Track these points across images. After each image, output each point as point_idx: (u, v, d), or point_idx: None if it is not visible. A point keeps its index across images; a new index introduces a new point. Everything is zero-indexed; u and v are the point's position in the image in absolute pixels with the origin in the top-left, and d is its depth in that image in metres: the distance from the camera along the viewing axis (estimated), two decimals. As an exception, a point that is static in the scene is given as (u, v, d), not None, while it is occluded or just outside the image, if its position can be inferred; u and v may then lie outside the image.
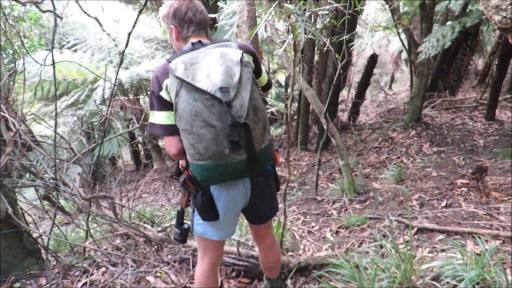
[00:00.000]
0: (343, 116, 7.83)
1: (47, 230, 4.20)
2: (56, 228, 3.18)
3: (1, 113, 2.12)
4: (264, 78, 1.54)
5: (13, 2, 5.77)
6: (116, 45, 7.15)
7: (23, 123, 2.48)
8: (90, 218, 2.75)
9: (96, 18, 7.81)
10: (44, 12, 4.61)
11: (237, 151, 1.20)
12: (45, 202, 3.17)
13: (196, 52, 1.26)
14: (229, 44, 1.32)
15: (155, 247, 2.77)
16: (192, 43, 1.35)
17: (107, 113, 2.74)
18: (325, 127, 3.29)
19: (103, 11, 8.44)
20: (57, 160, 2.58)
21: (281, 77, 10.51)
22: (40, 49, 9.32)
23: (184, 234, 1.53)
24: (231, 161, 1.20)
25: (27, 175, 2.92)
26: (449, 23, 5.37)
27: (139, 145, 10.25)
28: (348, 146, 5.32)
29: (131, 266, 2.44)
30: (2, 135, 2.20)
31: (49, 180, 2.30)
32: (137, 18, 2.33)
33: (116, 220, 2.60)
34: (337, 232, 2.77)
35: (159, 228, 3.19)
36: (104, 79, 4.80)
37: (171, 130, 1.32)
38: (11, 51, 7.72)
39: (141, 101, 8.41)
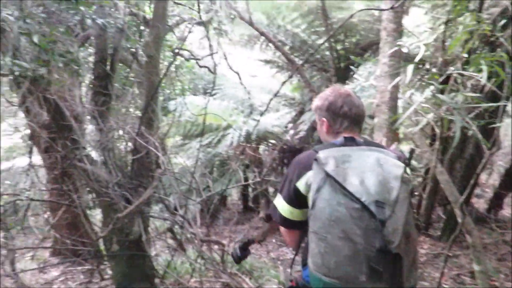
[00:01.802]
0: (479, 204, 6.67)
1: (160, 254, 4.60)
2: (170, 257, 3.49)
3: (157, 152, 2.54)
4: None
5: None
6: (249, 98, 7.92)
7: (169, 161, 2.90)
8: (199, 258, 2.94)
9: (237, 73, 8.92)
10: (201, 67, 5.42)
11: (375, 282, 0.95)
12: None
13: (348, 149, 1.14)
14: (385, 151, 1.15)
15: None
16: (345, 138, 1.21)
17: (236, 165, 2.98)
18: (459, 219, 2.84)
19: (244, 68, 9.57)
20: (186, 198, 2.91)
21: (405, 147, 9.79)
22: (188, 93, 11.08)
23: None
24: None
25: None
26: None
27: (249, 189, 10.74)
28: (484, 245, 4.44)
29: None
30: (152, 170, 2.63)
31: (178, 216, 2.59)
32: (281, 87, 2.56)
33: (222, 269, 2.70)
34: None
35: (257, 285, 3.17)
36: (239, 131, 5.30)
37: (291, 223, 1.22)
38: (167, 91, 9.45)
39: (260, 150, 8.95)
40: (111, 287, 3.35)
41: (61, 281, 4.01)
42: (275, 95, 2.49)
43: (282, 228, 1.28)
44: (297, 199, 1.18)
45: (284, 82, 2.75)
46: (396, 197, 1.00)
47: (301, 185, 1.17)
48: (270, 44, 6.92)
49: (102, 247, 2.94)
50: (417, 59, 1.51)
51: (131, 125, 2.81)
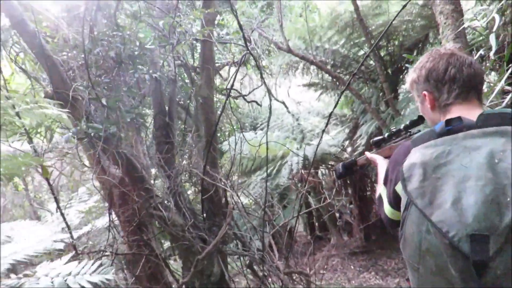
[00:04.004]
0: None
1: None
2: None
3: (226, 187, 2.54)
4: None
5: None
6: (298, 124, 7.88)
7: (237, 196, 2.89)
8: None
9: (283, 102, 9.00)
10: (249, 102, 5.50)
11: None
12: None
13: (449, 141, 0.81)
14: (508, 131, 0.77)
15: None
16: (448, 121, 0.86)
17: (302, 190, 2.88)
18: None
19: (288, 96, 9.64)
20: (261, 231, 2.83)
21: None
22: (237, 132, 11.41)
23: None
24: None
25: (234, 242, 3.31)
26: None
27: (314, 217, 10.37)
28: None
29: None
30: (223, 208, 2.62)
31: (256, 251, 2.51)
32: (337, 103, 2.46)
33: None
34: None
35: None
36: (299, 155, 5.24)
37: (395, 224, 1.02)
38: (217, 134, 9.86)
39: (319, 174, 8.70)
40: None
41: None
42: (330, 114, 2.41)
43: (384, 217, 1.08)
44: (397, 203, 0.97)
45: (340, 96, 2.68)
46: None
47: (399, 189, 0.95)
48: (312, 67, 6.93)
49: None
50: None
51: (196, 167, 2.87)
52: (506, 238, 0.66)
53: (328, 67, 6.27)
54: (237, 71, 2.62)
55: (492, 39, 1.29)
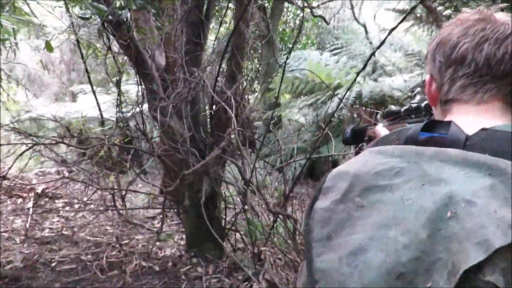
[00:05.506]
0: None
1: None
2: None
3: (228, 108, 2.27)
4: None
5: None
6: (373, 54, 6.91)
7: (248, 120, 2.64)
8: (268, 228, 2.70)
9: (364, 25, 7.82)
10: (315, 16, 4.81)
11: None
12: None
13: (408, 157, 0.48)
14: (506, 171, 0.39)
15: None
16: (428, 124, 0.52)
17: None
18: None
19: (374, 19, 8.35)
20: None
21: None
22: (311, 48, 10.53)
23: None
24: None
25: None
26: None
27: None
28: None
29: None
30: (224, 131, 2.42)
31: (244, 182, 2.36)
32: (393, 28, 1.92)
33: (292, 245, 2.40)
34: None
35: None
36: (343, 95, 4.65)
37: None
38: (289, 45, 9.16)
39: (378, 116, 7.93)
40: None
41: (160, 218, 4.51)
42: (385, 39, 1.90)
43: None
44: None
45: (400, 22, 2.10)
46: None
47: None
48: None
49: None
50: None
51: (212, 78, 2.61)
52: None
53: (427, -8, 5.01)
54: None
55: None
